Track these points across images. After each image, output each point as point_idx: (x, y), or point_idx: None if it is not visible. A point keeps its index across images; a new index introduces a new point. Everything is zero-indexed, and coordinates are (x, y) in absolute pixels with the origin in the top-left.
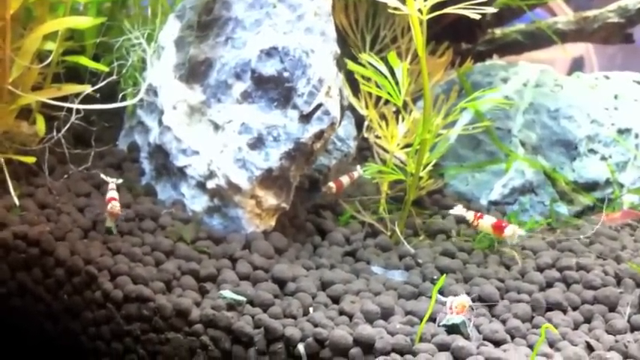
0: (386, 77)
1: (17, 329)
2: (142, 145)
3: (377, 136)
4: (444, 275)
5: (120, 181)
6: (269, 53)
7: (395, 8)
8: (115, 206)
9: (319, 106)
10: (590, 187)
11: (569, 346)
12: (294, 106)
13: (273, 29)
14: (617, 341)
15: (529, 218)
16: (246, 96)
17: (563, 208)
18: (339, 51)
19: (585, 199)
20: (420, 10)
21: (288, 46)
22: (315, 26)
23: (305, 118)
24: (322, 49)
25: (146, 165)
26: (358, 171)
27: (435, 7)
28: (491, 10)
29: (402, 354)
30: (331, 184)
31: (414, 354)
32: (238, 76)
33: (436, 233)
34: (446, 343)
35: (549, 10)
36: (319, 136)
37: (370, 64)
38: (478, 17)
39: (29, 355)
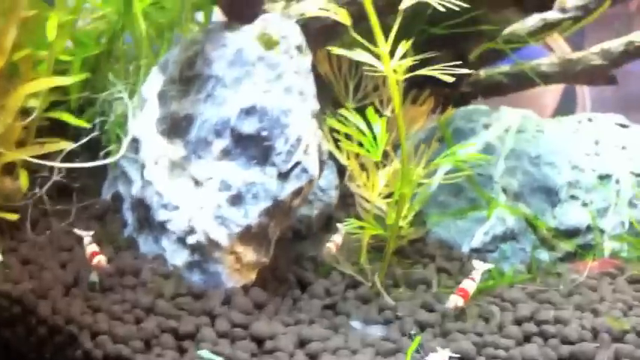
0: (364, 133)
1: None
2: (125, 196)
3: (358, 186)
4: (420, 337)
5: (91, 232)
6: (248, 112)
7: (372, 67)
8: (101, 260)
9: (297, 164)
10: (572, 233)
11: None
12: (273, 164)
13: (252, 88)
14: None
15: (510, 266)
16: (225, 153)
17: (544, 255)
18: (318, 108)
19: (566, 246)
20: (395, 70)
21: (267, 106)
22: (294, 85)
23: (283, 176)
24: (301, 108)
25: (129, 217)
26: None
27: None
28: (465, 71)
29: None
30: (330, 244)
31: None
32: (218, 133)
33: (417, 284)
34: None
35: (547, 46)
36: (298, 193)
37: (349, 119)
38: (451, 80)
39: None
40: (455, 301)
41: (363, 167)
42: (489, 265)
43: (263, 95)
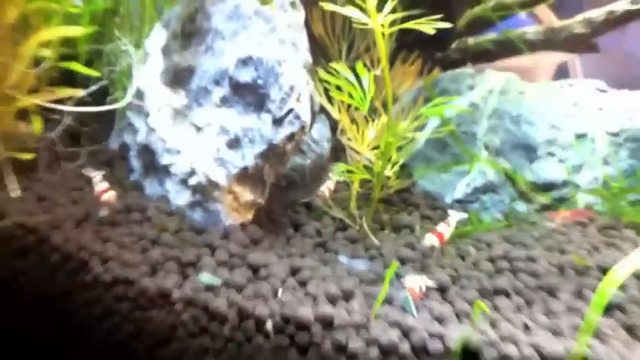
0: (354, 86)
1: (17, 311)
2: (131, 145)
3: (349, 139)
4: (396, 263)
5: (101, 172)
6: (245, 62)
7: (361, 22)
8: (110, 196)
9: (290, 111)
10: (548, 187)
11: (507, 326)
12: (268, 111)
13: (249, 40)
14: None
15: (489, 215)
16: (224, 101)
17: (522, 206)
18: (310, 60)
19: (543, 199)
20: (382, 25)
21: (262, 56)
22: (287, 38)
23: (277, 122)
24: (294, 59)
25: (135, 163)
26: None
27: (399, 21)
28: (446, 25)
29: (357, 329)
30: (323, 189)
31: (367, 329)
32: (217, 83)
33: (401, 228)
34: (397, 321)
35: (534, 17)
36: (290, 138)
37: (340, 72)
38: (433, 32)
39: (26, 335)
40: (430, 239)
41: (353, 122)
42: (464, 215)
43: (258, 47)
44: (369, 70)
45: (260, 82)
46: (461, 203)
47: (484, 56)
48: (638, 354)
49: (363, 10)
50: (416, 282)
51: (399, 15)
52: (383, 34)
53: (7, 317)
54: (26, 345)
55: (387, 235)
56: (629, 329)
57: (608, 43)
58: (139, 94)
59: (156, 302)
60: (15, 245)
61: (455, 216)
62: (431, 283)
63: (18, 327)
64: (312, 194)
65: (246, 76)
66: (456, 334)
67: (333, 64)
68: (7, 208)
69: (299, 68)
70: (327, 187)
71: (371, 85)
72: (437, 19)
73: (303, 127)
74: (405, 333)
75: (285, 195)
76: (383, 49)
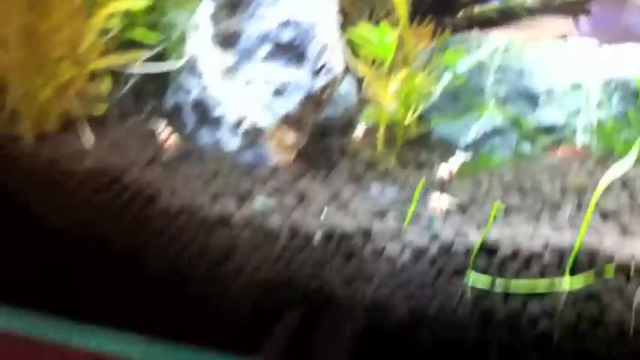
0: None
1: (93, 246)
2: (184, 104)
3: (373, 93)
4: (423, 180)
5: (164, 123)
6: (285, 25)
7: None
8: (173, 141)
9: (324, 65)
10: (549, 130)
11: (519, 229)
12: (306, 65)
13: (287, 6)
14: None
15: (498, 156)
16: (268, 58)
17: (526, 148)
18: (339, 23)
19: (544, 141)
20: None
21: (299, 19)
22: (319, 4)
23: (314, 74)
24: (326, 22)
25: (189, 118)
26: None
27: None
28: None
29: (392, 237)
30: (355, 135)
31: (401, 236)
32: (262, 43)
33: (422, 166)
34: (425, 230)
35: None
36: (325, 88)
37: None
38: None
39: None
40: (442, 172)
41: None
42: (468, 155)
43: (296, 11)
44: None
45: (298, 41)
46: (473, 146)
47: (488, 23)
48: (628, 244)
49: None
50: (439, 199)
51: None
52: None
53: (85, 252)
54: (102, 275)
55: (410, 172)
56: (623, 228)
57: (606, 21)
58: (191, 60)
59: (216, 226)
60: (90, 186)
61: (460, 156)
62: (453, 201)
63: (93, 260)
64: (344, 140)
65: (286, 36)
66: (477, 237)
67: (360, 24)
68: (83, 155)
69: (331, 29)
70: (357, 133)
71: (393, 41)
72: None
73: (335, 78)
74: (434, 238)
75: (320, 142)
76: (403, 6)
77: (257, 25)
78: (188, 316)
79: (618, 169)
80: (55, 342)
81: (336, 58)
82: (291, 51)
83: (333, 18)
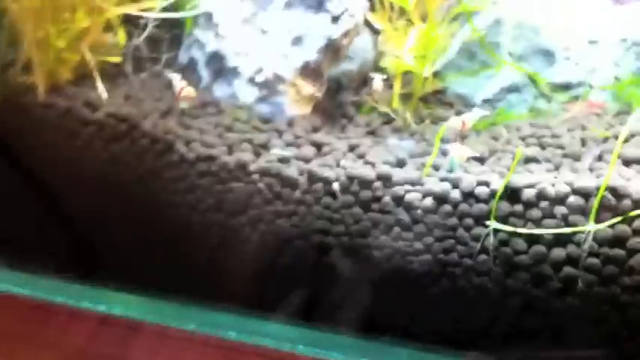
0: None
1: (110, 194)
2: (199, 58)
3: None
4: (444, 128)
5: (179, 74)
6: None
7: None
8: (189, 92)
9: (345, 10)
10: (565, 87)
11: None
12: (326, 11)
13: None
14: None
15: (515, 112)
16: (288, 5)
17: (543, 104)
18: None
19: (561, 97)
20: None
21: None
22: None
23: (335, 20)
24: None
25: (203, 73)
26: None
27: None
28: None
29: (412, 184)
30: (373, 87)
31: (421, 184)
32: None
33: (438, 121)
34: (446, 177)
35: None
36: (346, 34)
37: None
38: None
39: (119, 214)
40: (454, 122)
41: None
42: (486, 112)
43: None
44: None
45: None
46: (489, 102)
47: None
48: None
49: None
50: (460, 149)
51: None
52: None
53: (103, 199)
54: (117, 227)
55: (427, 126)
56: None
57: None
58: (207, 15)
59: (234, 174)
60: (108, 132)
61: (475, 112)
62: (473, 153)
63: (111, 209)
64: (360, 95)
65: None
66: (499, 182)
67: None
68: (98, 105)
69: None
70: (375, 86)
71: None
72: None
73: (356, 25)
74: (455, 184)
75: (337, 95)
76: None
77: None
78: (204, 270)
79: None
80: (65, 304)
81: (356, 4)
82: None
83: None
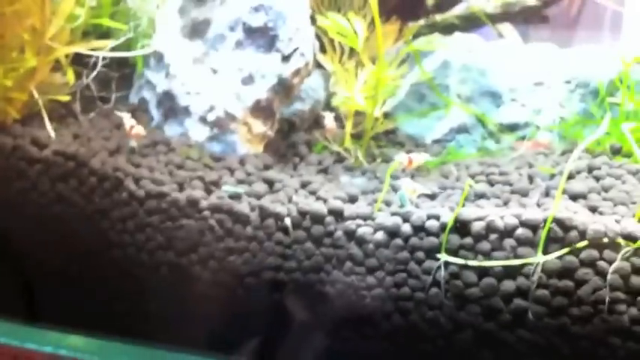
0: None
1: (55, 233)
2: (150, 98)
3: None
4: (396, 164)
5: (129, 114)
6: (256, 9)
7: None
8: (139, 130)
9: (296, 49)
10: (513, 127)
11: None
12: (277, 50)
13: None
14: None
15: (465, 151)
16: (238, 44)
17: (491, 144)
18: (310, 10)
19: (509, 138)
20: None
21: (271, 3)
22: None
23: (285, 59)
24: (299, 6)
25: (154, 112)
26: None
27: None
28: None
29: (364, 219)
30: (327, 127)
31: (373, 219)
32: (232, 29)
33: (390, 160)
34: (397, 212)
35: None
36: (297, 73)
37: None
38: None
39: (66, 253)
40: (401, 158)
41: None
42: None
43: None
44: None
45: (270, 24)
46: (439, 142)
47: (450, 30)
48: (594, 218)
49: None
50: (411, 184)
51: None
52: None
53: (50, 238)
54: (63, 263)
55: (378, 164)
56: (591, 209)
57: None
58: (158, 56)
59: (185, 211)
60: (56, 170)
61: (422, 154)
62: (423, 189)
63: (58, 248)
64: (312, 134)
65: (258, 21)
66: (449, 215)
67: (329, 14)
68: (47, 142)
69: (304, 14)
70: (327, 124)
71: (363, 31)
72: None
73: (307, 63)
74: (406, 219)
75: (289, 134)
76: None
77: (227, 12)
78: (153, 310)
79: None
80: (8, 345)
81: (307, 44)
82: (263, 36)
83: (304, 4)
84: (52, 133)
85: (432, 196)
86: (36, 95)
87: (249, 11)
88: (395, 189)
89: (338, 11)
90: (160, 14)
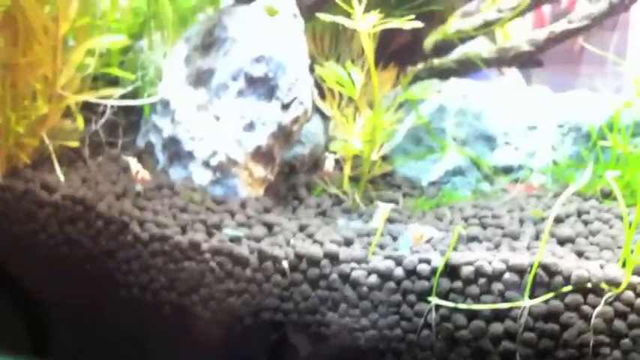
0: (346, 81)
1: (62, 273)
2: (156, 143)
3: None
4: (389, 207)
5: (137, 158)
6: (258, 60)
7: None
8: (144, 175)
9: (295, 98)
10: (507, 170)
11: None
12: (277, 98)
13: (260, 43)
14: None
15: (459, 194)
16: (240, 93)
17: (486, 186)
18: (309, 61)
19: (503, 180)
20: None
21: (272, 55)
22: (291, 41)
23: (285, 107)
24: (298, 57)
25: (160, 156)
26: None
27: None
28: (419, 24)
29: (358, 262)
30: (326, 168)
31: (367, 262)
32: (234, 79)
33: (387, 202)
34: (391, 255)
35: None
36: (296, 120)
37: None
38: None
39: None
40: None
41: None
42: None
43: (269, 48)
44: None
45: (271, 75)
46: (435, 184)
47: (448, 74)
48: (579, 264)
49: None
50: (418, 230)
51: (380, 21)
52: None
53: (57, 279)
54: (69, 302)
55: (375, 207)
56: (578, 253)
57: None
58: (164, 102)
59: (187, 254)
60: (64, 214)
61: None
62: (434, 234)
63: (65, 289)
64: (311, 177)
65: (259, 71)
66: (440, 260)
67: (327, 64)
68: (56, 187)
69: (303, 64)
70: (327, 167)
71: (361, 79)
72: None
73: (305, 111)
74: (398, 262)
75: (289, 178)
76: (370, 48)
77: (231, 61)
78: (157, 349)
79: (571, 198)
80: None
81: (306, 93)
82: (263, 85)
83: (303, 55)
84: (62, 178)
85: (427, 240)
86: (47, 141)
87: (251, 62)
88: (391, 233)
89: (338, 58)
90: (166, 63)
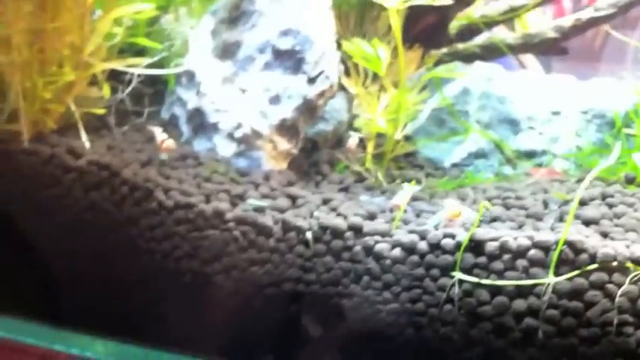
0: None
1: (88, 239)
2: (180, 115)
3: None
4: (412, 183)
5: (161, 128)
6: (285, 33)
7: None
8: (170, 143)
9: (321, 72)
10: (530, 155)
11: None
12: (303, 72)
13: (288, 16)
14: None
15: (482, 176)
16: (267, 66)
17: (508, 170)
18: (336, 35)
19: (525, 164)
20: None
21: (299, 28)
22: (319, 16)
23: (311, 81)
24: (325, 31)
25: (184, 128)
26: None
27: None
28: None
29: (382, 235)
30: (350, 145)
31: (391, 235)
32: (261, 51)
33: (409, 180)
34: (414, 229)
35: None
36: (321, 94)
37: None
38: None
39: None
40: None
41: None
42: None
43: (296, 21)
44: None
45: (298, 48)
46: (457, 166)
47: (472, 58)
48: (605, 242)
49: None
50: (456, 206)
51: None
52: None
53: (80, 245)
54: (91, 268)
55: (398, 185)
56: (603, 234)
57: None
58: (189, 74)
59: (211, 222)
60: (89, 179)
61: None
62: (471, 214)
63: (88, 254)
64: (334, 154)
65: (286, 44)
66: (464, 235)
67: (355, 39)
68: (81, 153)
69: (330, 38)
70: (350, 144)
71: (387, 56)
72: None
73: (331, 86)
74: (422, 236)
75: (312, 154)
76: (397, 24)
77: (258, 34)
78: (177, 317)
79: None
80: (37, 346)
81: (332, 67)
82: (290, 59)
83: (330, 29)
84: (87, 144)
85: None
86: (73, 107)
87: (278, 35)
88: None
89: (363, 37)
90: (193, 35)
